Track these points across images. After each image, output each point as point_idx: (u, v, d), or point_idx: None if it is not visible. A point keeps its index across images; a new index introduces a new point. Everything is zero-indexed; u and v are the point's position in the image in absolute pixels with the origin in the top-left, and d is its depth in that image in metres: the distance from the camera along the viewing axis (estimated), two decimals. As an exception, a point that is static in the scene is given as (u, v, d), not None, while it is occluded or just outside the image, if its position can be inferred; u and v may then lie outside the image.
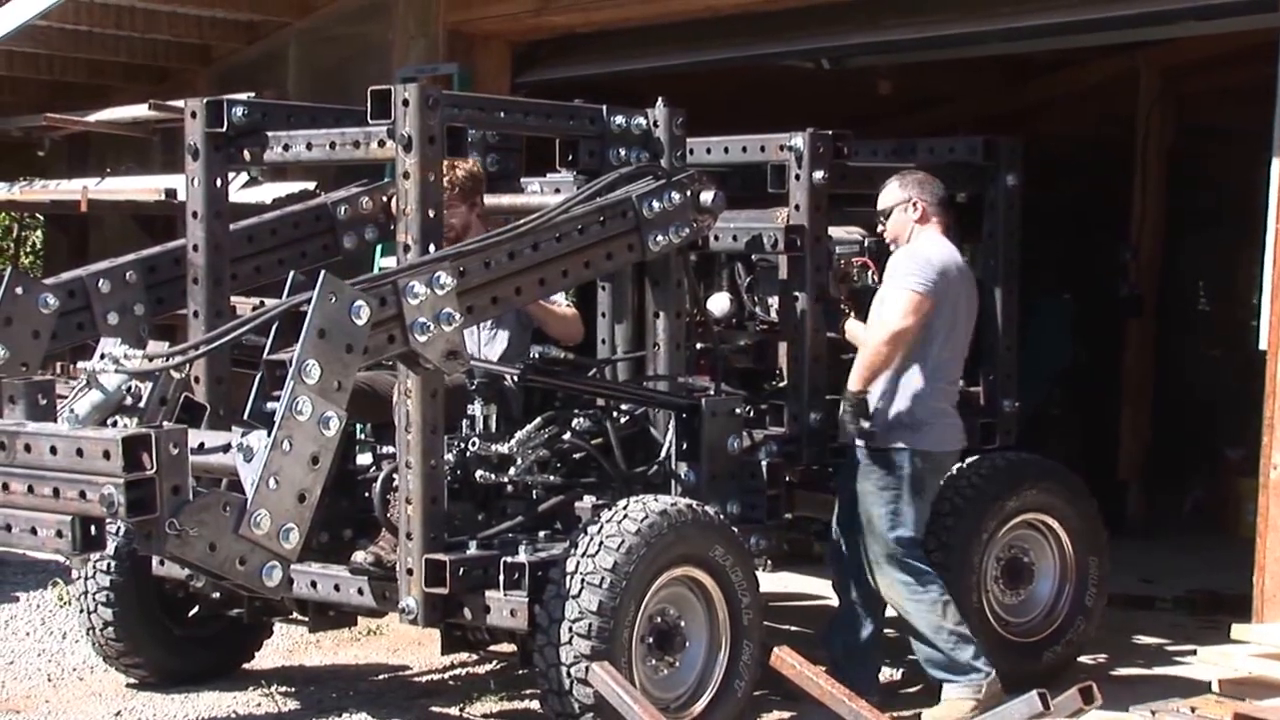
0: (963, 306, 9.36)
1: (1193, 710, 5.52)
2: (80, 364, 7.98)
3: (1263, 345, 8.71)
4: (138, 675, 9.47)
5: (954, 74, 15.42)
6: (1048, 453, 10.29)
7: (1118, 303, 15.47)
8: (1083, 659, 10.05)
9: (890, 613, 9.22)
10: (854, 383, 9.00)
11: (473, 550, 8.19)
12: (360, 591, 8.41)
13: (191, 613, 9.35)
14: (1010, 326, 10.72)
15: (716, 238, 9.71)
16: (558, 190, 9.13)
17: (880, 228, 9.67)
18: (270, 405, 7.39)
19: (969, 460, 9.83)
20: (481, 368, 9.03)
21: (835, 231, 10.24)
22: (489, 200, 9.20)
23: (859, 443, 9.08)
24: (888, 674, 10.00)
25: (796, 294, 9.79)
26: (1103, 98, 15.78)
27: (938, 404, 9.24)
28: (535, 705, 8.32)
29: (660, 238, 8.81)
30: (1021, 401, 10.73)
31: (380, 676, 9.94)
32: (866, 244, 10.75)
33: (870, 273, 10.76)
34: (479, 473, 8.72)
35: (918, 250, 9.14)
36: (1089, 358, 15.43)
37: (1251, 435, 8.89)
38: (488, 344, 9.47)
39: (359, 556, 8.38)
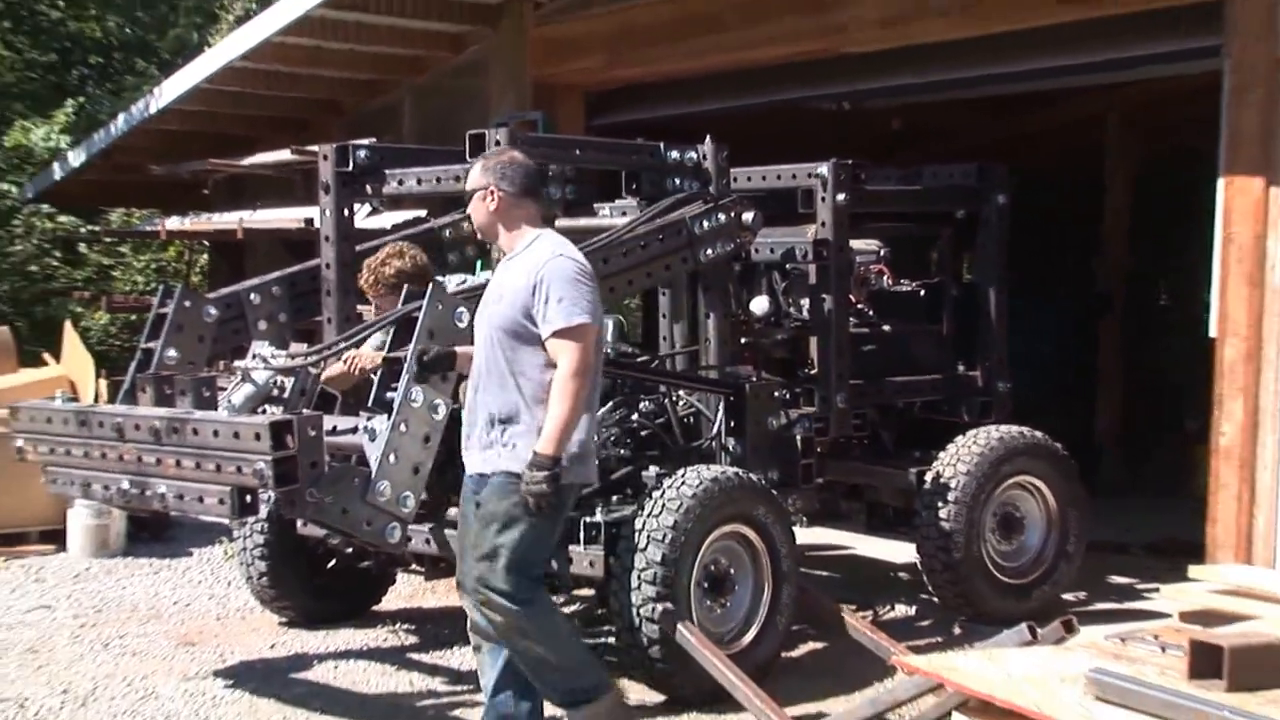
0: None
1: (1156, 637, 5.45)
2: (236, 362, 8.03)
3: (1213, 333, 8.66)
4: (287, 615, 9.53)
5: (955, 111, 15.32)
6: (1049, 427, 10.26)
7: (1092, 301, 15.48)
8: (1066, 596, 10.01)
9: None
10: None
11: (558, 511, 8.21)
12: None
13: (329, 565, 9.39)
14: (1002, 321, 10.72)
15: (756, 250, 9.72)
16: (624, 213, 9.11)
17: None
18: (390, 394, 7.39)
19: (971, 433, 9.84)
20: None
21: (855, 244, 10.23)
22: (567, 223, 9.15)
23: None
24: (903, 610, 10.00)
25: (824, 296, 9.79)
26: (1079, 129, 15.70)
27: None
28: (611, 639, 8.31)
29: (709, 251, 8.81)
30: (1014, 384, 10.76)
31: (485, 616, 9.93)
32: (882, 254, 10.76)
33: (885, 278, 10.76)
34: (562, 447, 8.73)
35: (565, 266, 6.52)
36: (1072, 348, 15.34)
37: (1207, 409, 8.83)
38: None
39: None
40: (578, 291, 6.39)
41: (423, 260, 8.56)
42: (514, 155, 6.80)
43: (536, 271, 6.42)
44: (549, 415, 6.36)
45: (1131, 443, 15.18)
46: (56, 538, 11.89)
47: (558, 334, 6.33)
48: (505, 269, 6.67)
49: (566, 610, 9.79)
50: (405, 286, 8.10)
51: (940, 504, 9.51)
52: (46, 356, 14.48)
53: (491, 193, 6.64)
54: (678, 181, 9.08)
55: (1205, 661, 4.93)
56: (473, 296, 7.64)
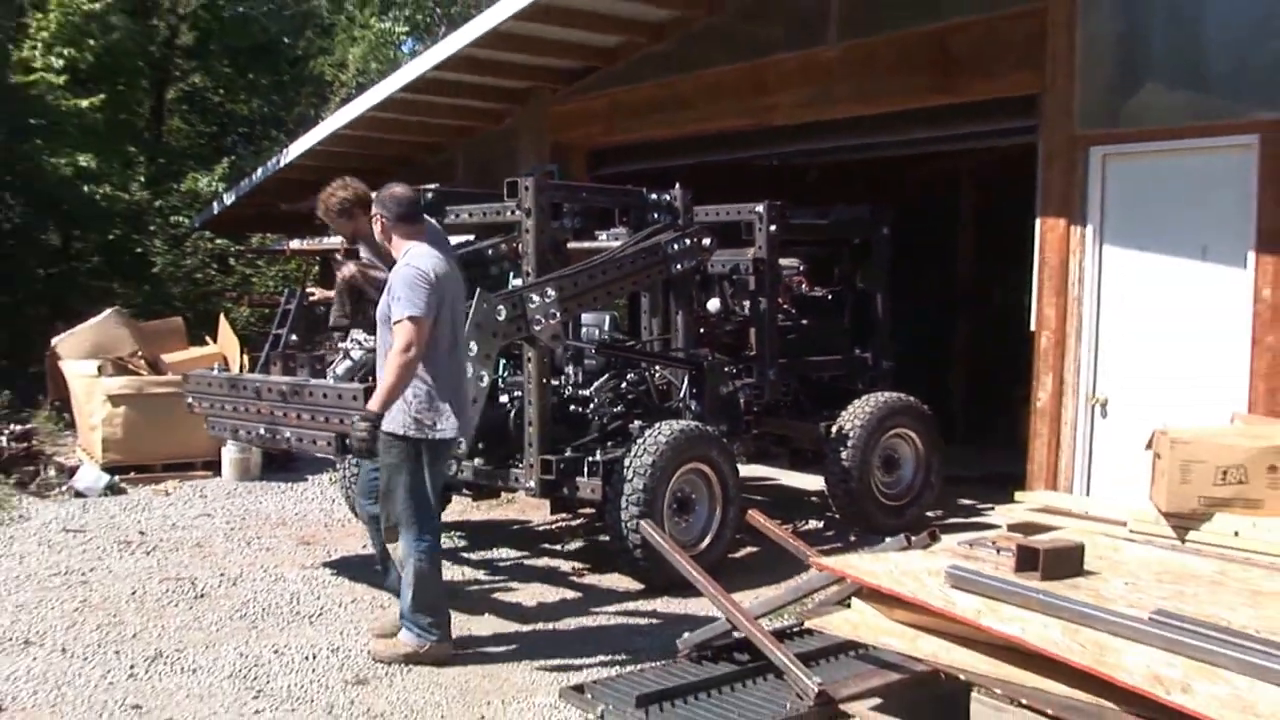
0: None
1: (993, 543, 5.42)
2: (339, 344, 7.97)
3: (1032, 328, 8.67)
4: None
5: (855, 167, 15.24)
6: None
7: (951, 303, 15.50)
8: (929, 514, 9.97)
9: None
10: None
11: (568, 453, 8.19)
12: (502, 477, 8.37)
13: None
14: (887, 318, 10.70)
15: (712, 266, 9.66)
16: (617, 238, 9.06)
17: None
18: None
19: (864, 397, 9.81)
20: (573, 345, 8.99)
21: (783, 261, 10.21)
22: (575, 245, 9.08)
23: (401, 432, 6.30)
24: (814, 524, 9.96)
25: (760, 299, 9.80)
26: (941, 180, 15.66)
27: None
28: (605, 543, 8.28)
29: (678, 266, 8.76)
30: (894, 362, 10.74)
31: (515, 527, 9.89)
32: (801, 268, 10.75)
33: (803, 286, 10.73)
34: (572, 407, 8.69)
35: (408, 272, 6.22)
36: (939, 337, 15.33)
37: (1027, 381, 8.84)
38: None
39: None
40: (414, 292, 6.10)
41: (363, 189, 7.72)
42: (394, 191, 6.52)
43: (393, 276, 6.24)
44: (380, 381, 6.18)
45: (974, 404, 15.15)
46: (213, 466, 11.83)
47: (396, 323, 6.09)
48: None
49: (574, 523, 9.78)
50: (355, 209, 7.49)
51: (842, 448, 9.50)
52: (207, 339, 14.46)
53: (378, 216, 6.46)
54: (656, 216, 9.02)
55: (1027, 559, 4.92)
56: (507, 297, 7.63)
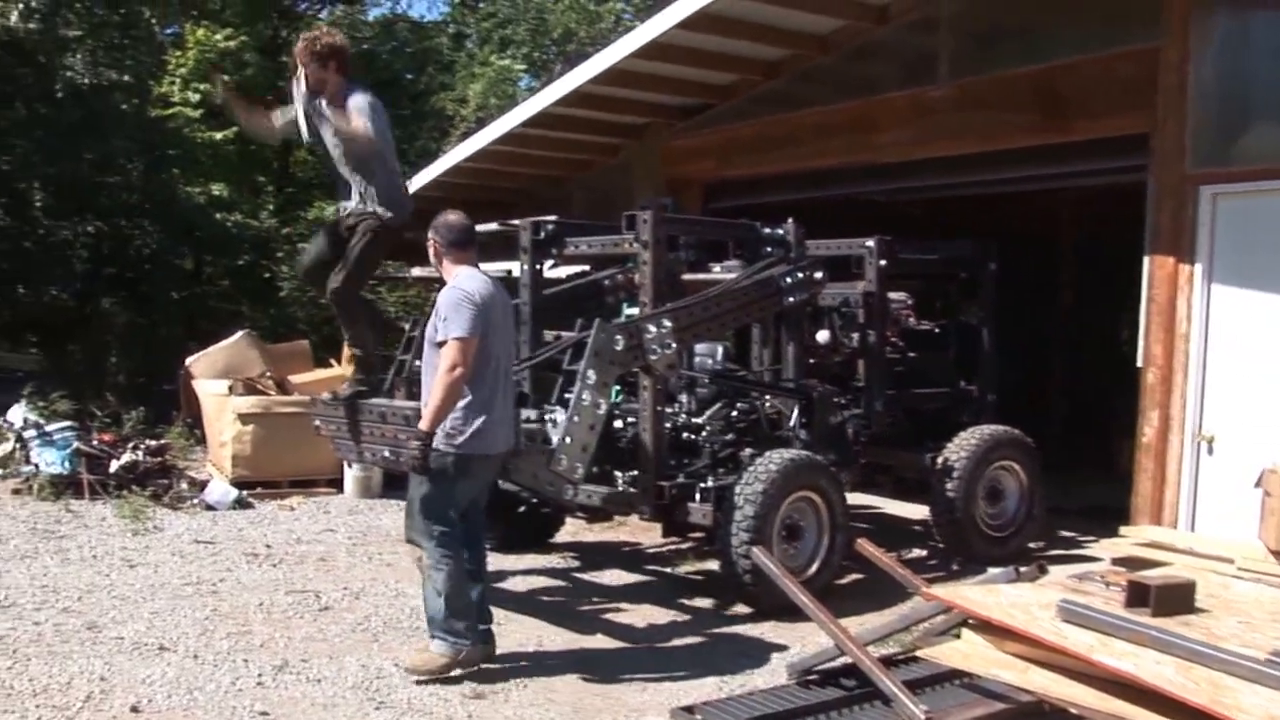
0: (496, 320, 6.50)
1: (1102, 577, 5.36)
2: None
3: (1139, 364, 8.56)
4: (491, 543, 9.33)
5: (958, 203, 15.12)
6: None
7: (1049, 335, 15.34)
8: (1030, 545, 9.80)
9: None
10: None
11: (681, 479, 8.19)
12: (617, 502, 8.39)
13: (520, 509, 9.33)
14: (993, 350, 10.57)
15: (822, 298, 9.61)
16: (730, 271, 9.07)
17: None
18: (567, 395, 7.39)
19: (969, 430, 9.70)
20: (687, 374, 9.00)
21: (891, 295, 10.15)
22: (690, 276, 9.10)
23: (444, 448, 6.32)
24: (918, 552, 9.85)
25: (869, 332, 9.75)
26: (1042, 215, 15.49)
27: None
28: (715, 568, 8.26)
29: (791, 298, 8.74)
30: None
31: (626, 549, 9.92)
32: (909, 302, 10.66)
33: (911, 319, 10.66)
34: (685, 434, 8.69)
35: (453, 294, 6.34)
36: (1038, 369, 15.14)
37: (1125, 414, 8.72)
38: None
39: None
40: (458, 313, 6.21)
41: (346, 43, 7.65)
42: (450, 218, 6.63)
43: (440, 299, 6.34)
44: (429, 401, 6.25)
45: (1071, 436, 14.90)
46: (336, 484, 11.96)
47: (441, 343, 6.22)
48: None
49: (684, 547, 9.77)
50: (330, 61, 7.38)
51: (947, 479, 9.39)
52: (332, 361, 14.69)
53: (432, 241, 6.57)
54: (769, 249, 9.02)
55: (1138, 595, 4.86)
56: (625, 328, 7.68)
